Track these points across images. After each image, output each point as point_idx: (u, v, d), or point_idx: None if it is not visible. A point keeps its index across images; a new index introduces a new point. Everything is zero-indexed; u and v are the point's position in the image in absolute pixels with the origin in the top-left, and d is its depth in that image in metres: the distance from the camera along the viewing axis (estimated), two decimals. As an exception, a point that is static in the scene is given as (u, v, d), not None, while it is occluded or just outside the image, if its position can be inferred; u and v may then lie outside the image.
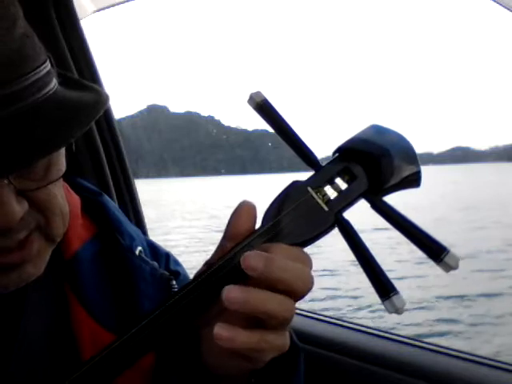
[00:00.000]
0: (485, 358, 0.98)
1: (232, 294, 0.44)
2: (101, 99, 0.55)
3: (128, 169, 1.47)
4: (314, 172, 0.53)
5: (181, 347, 0.56)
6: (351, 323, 1.18)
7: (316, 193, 0.51)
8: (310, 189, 0.52)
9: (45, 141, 0.48)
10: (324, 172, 0.52)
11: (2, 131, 0.46)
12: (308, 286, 0.48)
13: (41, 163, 0.53)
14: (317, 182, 0.52)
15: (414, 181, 0.52)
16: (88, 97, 0.55)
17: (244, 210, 0.51)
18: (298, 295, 0.47)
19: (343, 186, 0.52)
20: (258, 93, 0.53)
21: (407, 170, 0.51)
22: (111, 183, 1.43)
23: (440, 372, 0.96)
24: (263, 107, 0.53)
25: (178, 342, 0.56)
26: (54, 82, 0.53)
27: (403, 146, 0.53)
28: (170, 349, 0.57)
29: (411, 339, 1.08)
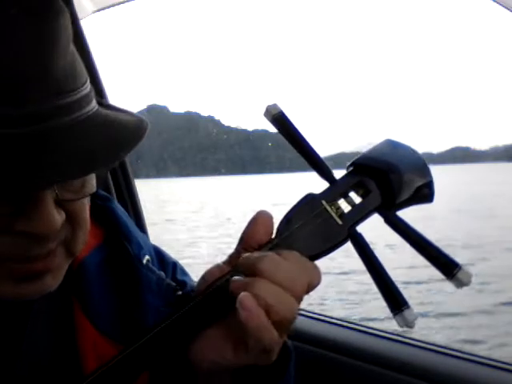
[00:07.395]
0: (485, 358, 0.98)
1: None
2: (142, 123, 0.54)
3: (128, 169, 1.47)
4: (328, 185, 0.53)
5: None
6: (351, 323, 1.18)
7: (330, 206, 0.51)
8: (324, 202, 0.52)
9: (98, 155, 0.47)
10: (338, 186, 0.52)
11: (54, 140, 0.45)
12: (299, 292, 0.48)
13: None
14: (331, 196, 0.52)
15: (426, 195, 0.52)
16: (129, 118, 0.54)
17: (260, 219, 0.51)
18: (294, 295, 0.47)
19: (357, 200, 0.52)
20: (275, 105, 0.53)
21: (418, 183, 0.52)
22: (111, 183, 1.43)
23: (440, 372, 0.96)
24: (279, 120, 0.53)
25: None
26: (94, 101, 0.52)
27: (414, 160, 0.53)
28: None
29: (411, 339, 1.07)
